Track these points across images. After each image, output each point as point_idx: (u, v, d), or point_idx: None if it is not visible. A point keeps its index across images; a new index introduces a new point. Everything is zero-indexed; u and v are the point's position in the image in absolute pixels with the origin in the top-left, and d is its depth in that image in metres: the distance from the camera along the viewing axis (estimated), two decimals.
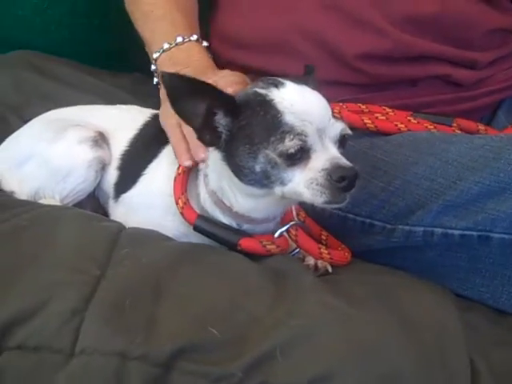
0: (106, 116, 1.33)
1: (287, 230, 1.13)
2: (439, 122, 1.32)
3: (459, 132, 1.30)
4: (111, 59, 1.79)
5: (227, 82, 1.13)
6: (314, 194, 0.99)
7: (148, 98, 1.44)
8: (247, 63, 1.43)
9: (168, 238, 1.12)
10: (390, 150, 1.24)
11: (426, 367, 0.91)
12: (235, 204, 1.09)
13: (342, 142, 1.04)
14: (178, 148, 1.14)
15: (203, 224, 1.11)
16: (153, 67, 1.34)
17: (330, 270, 1.14)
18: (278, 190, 1.02)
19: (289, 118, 0.98)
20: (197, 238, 1.12)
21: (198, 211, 1.12)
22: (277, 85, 1.03)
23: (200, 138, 1.04)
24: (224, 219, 1.12)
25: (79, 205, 1.26)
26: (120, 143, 1.26)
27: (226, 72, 1.23)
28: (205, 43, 1.36)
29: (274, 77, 1.06)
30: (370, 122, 1.29)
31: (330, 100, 1.33)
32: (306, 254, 1.16)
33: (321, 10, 1.35)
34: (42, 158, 1.24)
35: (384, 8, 1.32)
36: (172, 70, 1.25)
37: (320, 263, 1.14)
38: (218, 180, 1.09)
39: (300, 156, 0.99)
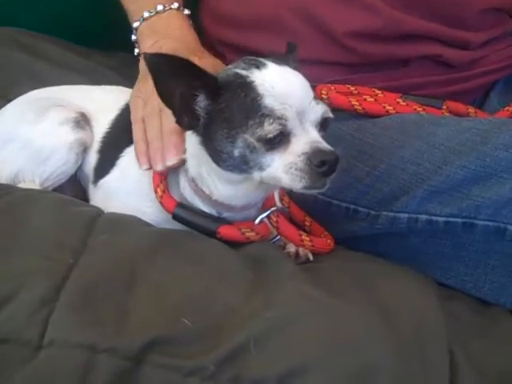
0: (88, 97, 1.30)
1: (268, 217, 1.11)
2: (429, 105, 1.29)
3: (448, 115, 1.27)
4: (101, 38, 1.75)
5: (207, 64, 1.10)
6: (292, 179, 0.96)
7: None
8: (237, 41, 1.41)
9: (147, 224, 1.10)
10: (377, 132, 1.22)
11: (404, 361, 0.89)
12: (214, 191, 1.07)
13: (324, 125, 1.01)
14: (140, 147, 1.12)
15: (182, 212, 1.09)
16: (133, 37, 1.32)
17: (311, 258, 1.12)
18: (256, 175, 1.00)
19: (268, 102, 0.96)
20: (176, 225, 1.10)
21: (177, 199, 1.10)
22: (258, 66, 1.00)
23: (178, 121, 1.01)
24: (204, 207, 1.10)
25: (60, 188, 1.24)
26: (102, 125, 1.24)
27: (208, 55, 1.21)
28: (186, 11, 1.33)
29: (255, 57, 1.03)
30: (357, 103, 1.26)
31: (318, 81, 1.32)
32: (287, 242, 1.14)
33: None
34: (22, 140, 1.22)
35: None
36: (151, 40, 1.26)
37: (301, 251, 1.12)
38: (196, 166, 1.07)
39: (279, 140, 0.96)
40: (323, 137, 1.00)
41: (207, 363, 0.85)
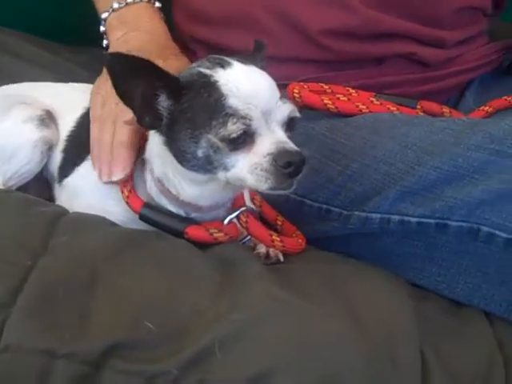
0: (55, 94, 1.27)
1: (237, 217, 1.08)
2: (403, 104, 1.28)
3: (422, 114, 1.25)
4: (71, 33, 1.71)
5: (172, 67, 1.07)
6: (258, 180, 0.94)
7: None
8: (209, 38, 1.39)
9: (112, 224, 1.06)
10: (350, 132, 1.20)
11: (374, 364, 0.86)
12: (181, 192, 1.04)
13: (291, 125, 0.99)
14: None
15: (149, 213, 1.06)
16: (102, 28, 1.29)
17: (281, 258, 1.10)
18: (221, 175, 0.97)
19: (232, 102, 0.93)
20: (144, 225, 1.07)
21: (144, 199, 1.07)
22: (223, 65, 0.97)
23: (140, 121, 0.98)
24: (171, 207, 1.07)
25: (25, 187, 1.20)
26: (68, 123, 1.20)
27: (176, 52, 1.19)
28: (157, 4, 1.31)
29: (220, 55, 1.00)
30: (330, 102, 1.24)
31: (292, 78, 1.30)
32: (257, 242, 1.12)
33: None
34: None
35: None
36: (120, 32, 1.23)
37: (272, 251, 1.10)
38: (162, 166, 1.04)
39: (243, 140, 0.94)
40: (290, 137, 0.98)
41: (170, 367, 0.82)
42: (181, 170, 1.00)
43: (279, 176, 0.94)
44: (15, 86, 1.31)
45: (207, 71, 0.97)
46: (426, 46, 1.34)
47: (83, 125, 1.17)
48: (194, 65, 1.01)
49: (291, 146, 0.95)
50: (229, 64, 0.98)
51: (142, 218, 1.06)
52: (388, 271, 1.09)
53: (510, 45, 1.48)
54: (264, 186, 0.94)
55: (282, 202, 1.20)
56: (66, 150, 1.18)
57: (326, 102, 1.24)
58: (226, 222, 1.07)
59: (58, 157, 1.18)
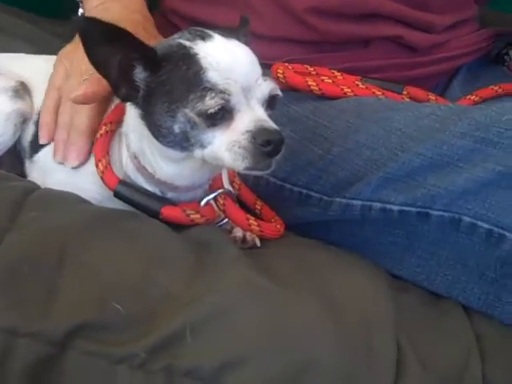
0: (31, 66, 1.22)
1: (215, 199, 1.05)
2: (389, 89, 1.24)
3: (408, 100, 1.23)
4: (52, 5, 1.66)
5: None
6: (235, 159, 0.91)
7: None
8: (192, 14, 1.35)
9: (84, 201, 1.03)
10: (333, 115, 1.17)
11: (347, 353, 0.84)
12: (157, 170, 1.01)
13: (271, 103, 0.96)
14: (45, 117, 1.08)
15: (124, 190, 1.02)
16: None
17: (258, 243, 1.07)
18: (197, 153, 0.94)
19: (211, 75, 0.90)
20: (119, 204, 1.04)
21: (120, 176, 1.04)
22: (204, 37, 0.94)
23: (115, 92, 0.95)
24: (147, 186, 1.03)
25: None
26: (42, 95, 1.16)
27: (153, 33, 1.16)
28: None
29: (202, 28, 0.97)
30: (314, 84, 1.21)
31: (277, 59, 1.27)
32: (234, 225, 1.09)
33: None
34: None
35: None
36: (98, 1, 1.18)
37: (248, 235, 1.07)
38: (138, 141, 1.01)
39: (221, 116, 0.91)
40: (270, 115, 0.94)
41: (138, 350, 0.80)
42: (157, 147, 0.97)
43: (257, 155, 0.90)
44: None
45: (187, 43, 0.93)
46: (414, 30, 1.31)
47: None
48: (174, 36, 0.98)
49: (271, 124, 0.92)
50: (210, 37, 0.94)
51: (117, 195, 1.02)
52: (367, 260, 1.07)
53: (500, 32, 1.46)
54: (241, 165, 0.91)
55: (262, 186, 1.18)
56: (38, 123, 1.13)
57: (310, 83, 1.21)
58: (202, 203, 1.04)
59: (31, 130, 1.14)
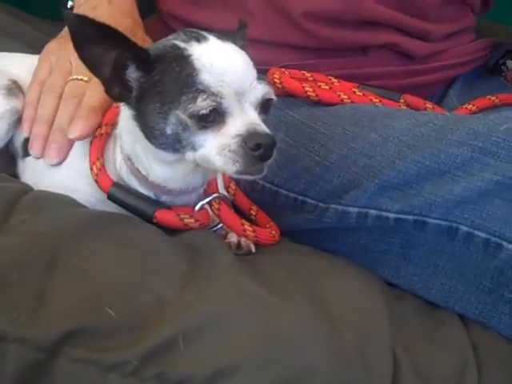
0: (25, 65, 1.20)
1: (209, 204, 1.04)
2: (386, 97, 1.24)
3: (405, 108, 1.22)
4: (49, 6, 1.65)
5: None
6: (226, 162, 0.89)
7: None
8: (189, 17, 1.34)
9: (77, 204, 1.01)
10: (330, 121, 1.16)
11: (342, 364, 0.83)
12: (151, 172, 0.99)
13: (265, 107, 0.95)
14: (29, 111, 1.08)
15: (118, 193, 1.01)
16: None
17: (253, 249, 1.05)
18: (189, 155, 0.93)
19: (204, 77, 0.89)
20: (114, 207, 1.02)
21: (114, 179, 1.02)
22: (199, 39, 0.93)
23: (107, 91, 0.93)
24: (141, 189, 1.02)
25: None
26: None
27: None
28: None
29: (197, 29, 0.96)
30: (311, 90, 1.20)
31: (274, 64, 1.26)
32: (228, 231, 1.07)
33: None
34: None
35: None
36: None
37: (243, 241, 1.06)
38: (131, 143, 0.99)
39: (213, 119, 0.89)
40: (264, 120, 0.93)
41: (130, 358, 0.78)
42: (150, 149, 0.96)
43: (248, 159, 0.89)
44: None
45: (181, 44, 0.92)
46: (411, 38, 1.31)
47: None
48: (169, 37, 0.96)
49: (262, 128, 0.91)
50: (205, 38, 0.93)
51: (111, 197, 1.01)
52: (363, 268, 1.05)
53: (497, 43, 1.46)
54: (232, 168, 0.90)
55: (257, 191, 1.16)
56: None
57: (306, 89, 1.20)
58: (197, 207, 1.03)
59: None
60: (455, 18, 1.37)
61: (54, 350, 0.77)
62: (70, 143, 1.06)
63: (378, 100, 1.21)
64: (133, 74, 0.92)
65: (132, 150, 1.00)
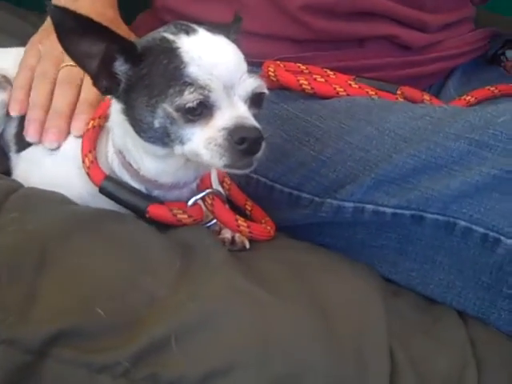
0: (14, 59, 1.18)
1: (203, 199, 1.02)
2: (383, 89, 1.22)
3: (402, 100, 1.20)
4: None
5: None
6: (213, 156, 0.88)
7: None
8: (183, 10, 1.32)
9: (67, 202, 0.99)
10: (325, 115, 1.14)
11: (339, 362, 0.81)
12: (142, 166, 0.98)
13: (257, 100, 0.93)
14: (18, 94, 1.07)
15: (110, 186, 0.99)
16: None
17: (247, 245, 1.04)
18: (178, 149, 0.91)
19: (192, 70, 0.87)
20: (106, 202, 1.00)
21: (106, 172, 1.01)
22: (188, 31, 0.91)
23: (95, 84, 0.92)
24: (133, 183, 1.00)
25: None
26: None
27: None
28: None
29: (188, 22, 0.94)
30: (306, 83, 1.18)
31: (269, 56, 1.24)
32: (222, 227, 1.06)
33: None
34: None
35: None
36: None
37: (237, 237, 1.04)
38: (122, 136, 0.98)
39: (200, 112, 0.88)
40: (256, 114, 0.92)
41: (121, 359, 0.76)
42: (140, 142, 0.94)
43: (234, 153, 0.88)
44: None
45: (170, 36, 0.91)
46: (408, 29, 1.29)
47: None
48: (159, 30, 0.95)
49: (250, 121, 0.89)
50: (194, 31, 0.91)
51: (103, 191, 0.99)
52: (360, 263, 1.04)
53: (496, 33, 1.44)
54: (219, 162, 0.88)
55: (252, 186, 1.15)
56: (23, 117, 1.10)
57: (301, 82, 1.18)
58: (190, 203, 1.01)
59: (15, 123, 1.11)
60: (453, 8, 1.35)
61: (43, 352, 0.75)
62: (69, 127, 1.05)
63: (374, 92, 1.19)
64: (121, 66, 0.90)
65: (123, 144, 0.98)
